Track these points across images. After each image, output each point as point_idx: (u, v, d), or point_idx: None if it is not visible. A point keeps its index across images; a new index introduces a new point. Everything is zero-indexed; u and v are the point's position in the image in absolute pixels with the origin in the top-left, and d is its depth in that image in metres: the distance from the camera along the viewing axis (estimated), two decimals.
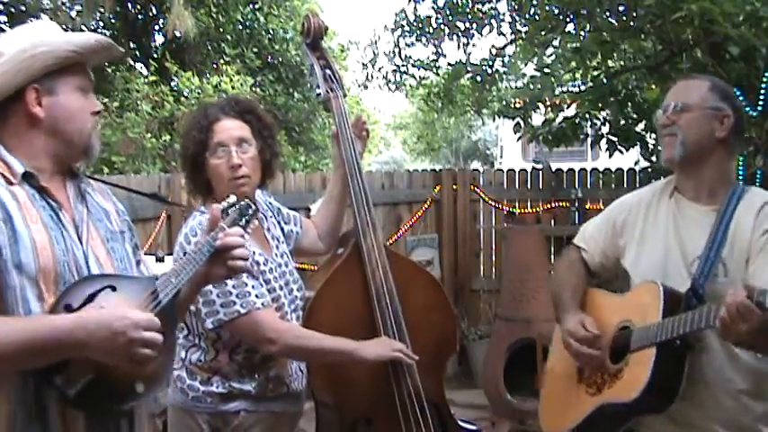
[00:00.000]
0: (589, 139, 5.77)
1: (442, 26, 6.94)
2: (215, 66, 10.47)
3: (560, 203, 6.00)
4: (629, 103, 5.42)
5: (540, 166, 6.26)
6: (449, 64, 6.97)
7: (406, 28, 7.24)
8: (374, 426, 2.38)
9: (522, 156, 11.69)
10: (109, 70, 9.65)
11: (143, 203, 4.06)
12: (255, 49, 10.74)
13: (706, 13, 3.92)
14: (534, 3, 6.04)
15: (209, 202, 2.18)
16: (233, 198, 1.76)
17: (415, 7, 7.17)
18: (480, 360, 5.47)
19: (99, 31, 11.29)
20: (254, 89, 9.72)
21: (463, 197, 6.14)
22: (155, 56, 10.82)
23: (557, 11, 5.57)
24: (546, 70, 5.56)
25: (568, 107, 5.86)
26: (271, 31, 11.14)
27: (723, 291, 1.78)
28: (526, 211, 6.06)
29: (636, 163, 6.01)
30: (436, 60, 7.33)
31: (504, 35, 6.86)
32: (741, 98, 2.90)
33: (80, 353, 1.40)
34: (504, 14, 6.83)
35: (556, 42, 5.68)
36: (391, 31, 7.39)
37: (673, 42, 4.80)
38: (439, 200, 6.09)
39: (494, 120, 11.84)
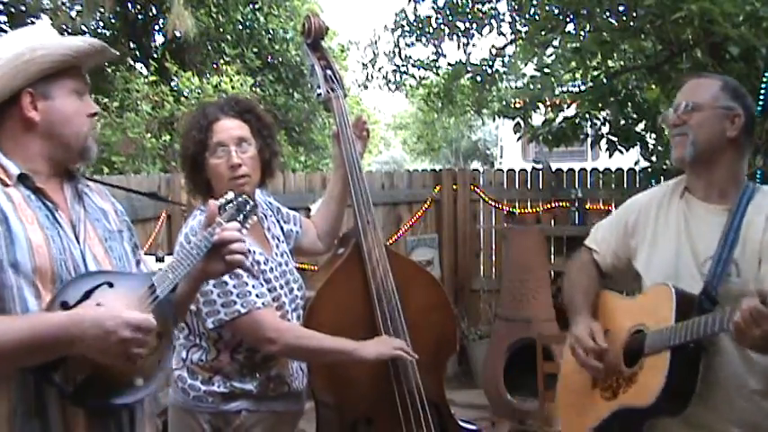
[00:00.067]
0: (589, 139, 5.78)
1: (442, 26, 6.94)
2: (215, 66, 10.46)
3: (560, 203, 6.00)
4: (629, 103, 5.42)
5: (540, 166, 6.26)
6: (449, 64, 6.98)
7: (406, 28, 7.24)
8: (374, 425, 2.38)
9: (522, 156, 11.70)
10: (109, 70, 9.65)
11: (143, 203, 4.07)
12: (255, 49, 10.74)
13: (706, 13, 3.93)
14: (534, 3, 6.04)
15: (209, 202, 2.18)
16: (231, 194, 1.76)
17: (415, 7, 7.18)
18: (480, 360, 5.47)
19: (99, 31, 11.31)
20: (254, 89, 9.72)
21: (463, 197, 6.14)
22: (155, 56, 10.82)
23: (557, 11, 5.57)
24: (546, 70, 5.56)
25: (568, 107, 5.87)
26: (271, 31, 11.14)
27: (736, 291, 1.79)
28: (526, 211, 6.06)
29: (636, 163, 6.01)
30: (436, 60, 7.33)
31: (504, 35, 6.87)
32: None
33: (75, 350, 1.41)
34: (504, 14, 6.83)
35: (556, 42, 5.68)
36: (391, 31, 7.39)
37: (673, 42, 4.80)
38: (439, 200, 6.10)
39: (494, 120, 11.84)
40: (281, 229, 2.40)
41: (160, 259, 3.57)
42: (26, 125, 1.56)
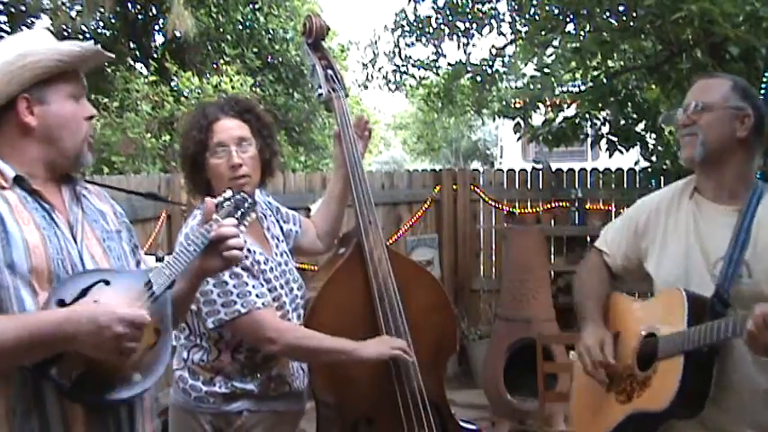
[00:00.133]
0: (589, 139, 5.78)
1: (442, 26, 6.94)
2: (215, 66, 10.46)
3: (560, 203, 6.00)
4: (629, 103, 5.43)
5: (540, 166, 6.26)
6: (449, 64, 6.98)
7: (406, 28, 7.24)
8: (375, 425, 2.38)
9: (522, 156, 11.71)
10: (109, 70, 9.65)
11: (143, 204, 4.06)
12: (255, 49, 10.74)
13: (706, 13, 3.93)
14: (534, 3, 6.04)
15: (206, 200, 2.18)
16: (229, 192, 1.76)
17: (415, 7, 7.18)
18: (480, 360, 5.47)
19: (99, 31, 11.31)
20: (254, 89, 9.72)
21: (463, 197, 6.14)
22: (155, 56, 10.83)
23: (557, 11, 5.57)
24: (546, 70, 5.56)
25: (568, 107, 5.87)
26: (271, 31, 11.14)
27: (747, 292, 1.78)
28: (526, 211, 6.06)
29: (636, 163, 6.02)
30: (436, 60, 7.33)
31: (504, 35, 6.87)
32: None
33: (70, 346, 1.42)
34: (504, 14, 6.84)
35: (556, 42, 5.69)
36: (391, 31, 7.39)
37: (673, 42, 4.80)
38: (439, 200, 6.10)
39: (494, 120, 11.85)
40: (281, 228, 2.40)
41: (160, 259, 3.57)
42: (23, 130, 1.57)
